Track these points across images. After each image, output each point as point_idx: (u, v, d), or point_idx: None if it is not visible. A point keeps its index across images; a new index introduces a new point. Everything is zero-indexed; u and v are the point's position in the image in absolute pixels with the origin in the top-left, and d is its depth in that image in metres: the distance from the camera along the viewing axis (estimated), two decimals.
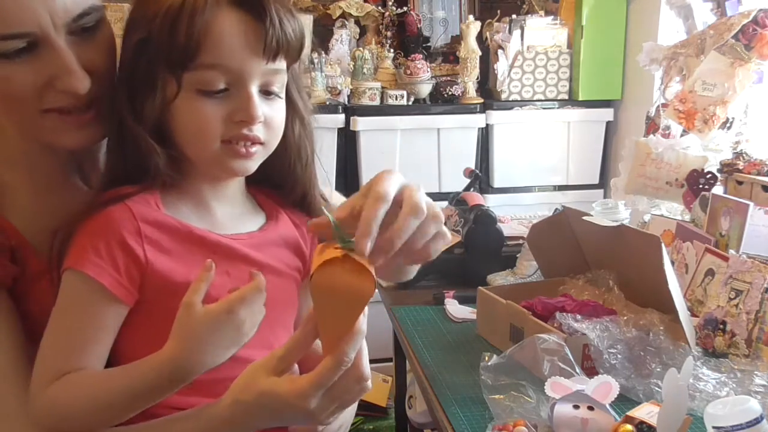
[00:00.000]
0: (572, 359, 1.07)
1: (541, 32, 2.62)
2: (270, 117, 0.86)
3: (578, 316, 1.19)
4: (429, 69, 2.61)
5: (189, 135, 0.84)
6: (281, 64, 0.85)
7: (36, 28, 0.78)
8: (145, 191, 0.85)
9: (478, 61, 2.59)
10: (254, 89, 0.83)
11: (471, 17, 2.59)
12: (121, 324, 0.83)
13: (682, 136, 1.90)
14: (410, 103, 2.58)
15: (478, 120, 2.58)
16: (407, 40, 2.82)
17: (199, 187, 0.90)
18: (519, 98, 2.62)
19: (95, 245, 0.80)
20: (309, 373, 0.73)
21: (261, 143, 0.86)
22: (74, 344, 0.80)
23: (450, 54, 2.84)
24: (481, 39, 2.65)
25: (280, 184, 0.97)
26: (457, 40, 2.79)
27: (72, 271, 0.81)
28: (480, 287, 1.43)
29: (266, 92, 0.85)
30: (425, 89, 2.59)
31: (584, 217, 1.38)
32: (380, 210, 0.71)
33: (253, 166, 0.88)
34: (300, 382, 0.73)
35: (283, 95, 0.89)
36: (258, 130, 0.84)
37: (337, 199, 1.07)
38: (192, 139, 0.84)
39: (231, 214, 0.92)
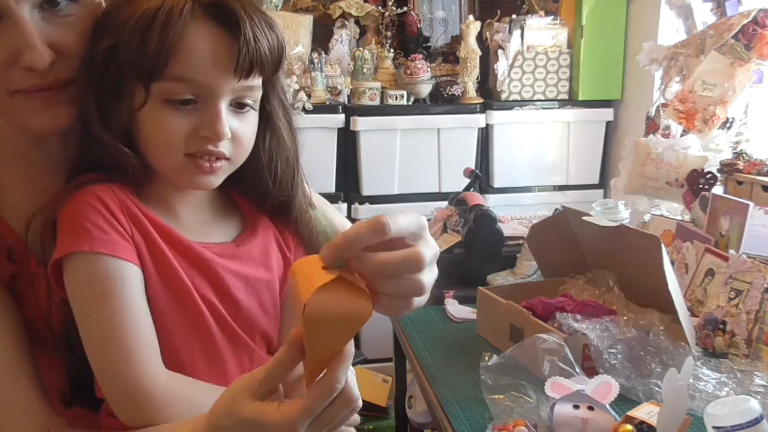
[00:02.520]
0: (572, 359, 1.08)
1: (541, 32, 2.62)
2: (239, 132, 0.83)
3: (578, 316, 1.19)
4: (429, 69, 2.61)
5: (153, 145, 0.82)
6: (256, 80, 0.83)
7: None
8: (117, 184, 0.83)
9: (478, 61, 2.58)
10: (223, 105, 0.81)
11: (471, 17, 2.59)
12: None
13: (682, 136, 1.90)
14: (410, 103, 2.58)
15: (478, 120, 2.58)
16: (407, 40, 2.82)
17: (165, 193, 0.87)
18: (519, 98, 2.62)
19: (94, 222, 0.78)
20: (297, 400, 0.68)
21: (226, 158, 0.83)
22: (140, 326, 0.78)
23: (450, 54, 2.84)
24: (481, 39, 2.65)
25: (251, 190, 0.94)
26: (457, 40, 2.79)
27: (81, 255, 0.78)
28: (480, 287, 1.44)
29: (238, 106, 0.83)
30: (425, 89, 2.59)
31: (584, 217, 1.38)
32: (368, 236, 0.63)
33: (216, 181, 0.85)
34: (288, 410, 0.67)
35: (257, 108, 0.86)
36: (224, 146, 0.82)
37: (315, 199, 1.04)
38: (156, 150, 0.82)
39: (198, 221, 0.89)
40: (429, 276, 0.71)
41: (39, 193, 0.88)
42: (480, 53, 2.59)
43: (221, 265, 0.86)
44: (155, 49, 0.77)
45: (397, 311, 0.72)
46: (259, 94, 0.85)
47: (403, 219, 0.66)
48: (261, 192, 0.93)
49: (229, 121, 0.81)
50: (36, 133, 0.87)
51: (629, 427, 0.91)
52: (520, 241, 1.76)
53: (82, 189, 0.81)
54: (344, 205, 2.54)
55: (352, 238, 0.64)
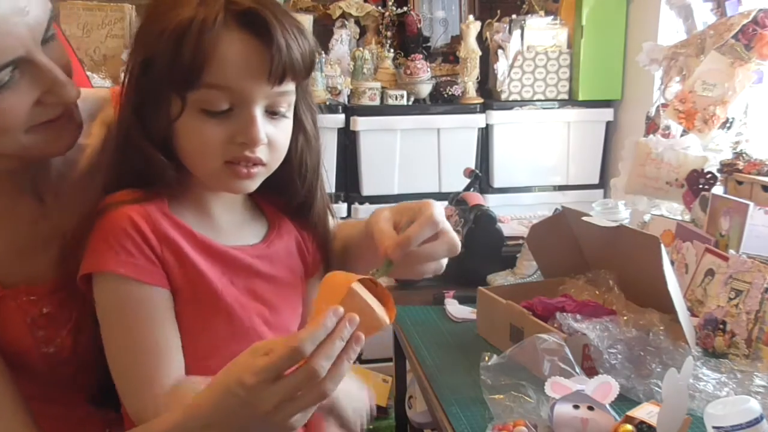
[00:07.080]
0: (572, 359, 1.08)
1: (541, 32, 2.61)
2: (274, 138, 0.85)
3: (578, 316, 1.19)
4: (429, 69, 2.60)
5: (191, 154, 0.84)
6: (289, 86, 0.84)
7: (22, 51, 0.75)
8: (154, 196, 0.85)
9: (478, 61, 2.58)
10: (259, 111, 0.82)
11: (471, 17, 2.59)
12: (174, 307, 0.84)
13: (682, 136, 1.90)
14: (410, 103, 2.58)
15: (478, 120, 2.58)
16: (407, 40, 2.81)
17: (201, 195, 0.90)
18: (519, 98, 2.62)
19: (122, 244, 0.80)
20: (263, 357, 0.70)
21: (263, 164, 0.85)
22: (157, 349, 0.81)
23: (450, 54, 2.83)
24: (481, 39, 2.65)
25: (280, 192, 0.97)
26: (457, 40, 2.79)
27: (108, 274, 0.80)
28: (480, 287, 1.44)
29: (273, 112, 0.85)
30: (425, 89, 2.59)
31: (584, 218, 1.38)
32: (426, 234, 0.85)
33: (253, 185, 0.88)
34: (249, 364, 0.70)
35: (291, 114, 0.88)
36: (261, 152, 0.84)
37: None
38: (195, 158, 0.84)
39: (233, 222, 0.92)
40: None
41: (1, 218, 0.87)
42: (480, 53, 2.58)
43: (256, 269, 0.89)
44: (189, 59, 0.78)
45: (437, 270, 0.93)
46: (292, 99, 0.87)
47: (441, 213, 0.88)
48: (289, 194, 0.96)
49: (264, 126, 0.83)
50: (47, 158, 0.88)
51: (629, 427, 0.91)
52: (520, 241, 1.76)
53: (115, 209, 0.82)
54: (344, 205, 2.54)
55: (413, 236, 0.84)
